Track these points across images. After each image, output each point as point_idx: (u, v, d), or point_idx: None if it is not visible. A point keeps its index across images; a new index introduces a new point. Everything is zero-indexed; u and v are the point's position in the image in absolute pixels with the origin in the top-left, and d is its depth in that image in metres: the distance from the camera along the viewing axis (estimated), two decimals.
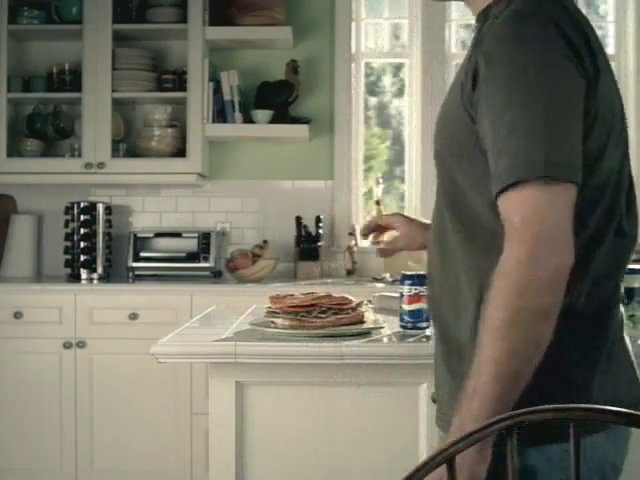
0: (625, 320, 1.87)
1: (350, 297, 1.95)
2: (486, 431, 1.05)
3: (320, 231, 4.06)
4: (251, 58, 4.21)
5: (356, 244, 4.13)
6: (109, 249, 4.03)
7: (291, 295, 1.93)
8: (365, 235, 2.01)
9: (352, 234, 4.12)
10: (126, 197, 4.23)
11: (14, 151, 4.00)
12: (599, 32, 4.43)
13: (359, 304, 1.95)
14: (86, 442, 3.60)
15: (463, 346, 1.30)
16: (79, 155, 3.97)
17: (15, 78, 3.99)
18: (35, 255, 4.11)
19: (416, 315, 1.94)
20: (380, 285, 3.69)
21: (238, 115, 3.99)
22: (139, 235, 4.02)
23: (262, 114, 4.00)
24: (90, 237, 3.95)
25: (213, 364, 1.85)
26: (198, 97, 3.91)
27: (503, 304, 1.14)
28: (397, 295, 2.03)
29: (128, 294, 3.65)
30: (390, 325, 2.02)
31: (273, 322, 1.91)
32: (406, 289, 1.94)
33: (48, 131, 4.08)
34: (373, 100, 4.50)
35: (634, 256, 4.45)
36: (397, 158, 4.45)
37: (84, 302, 3.61)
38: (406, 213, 4.33)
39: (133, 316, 3.60)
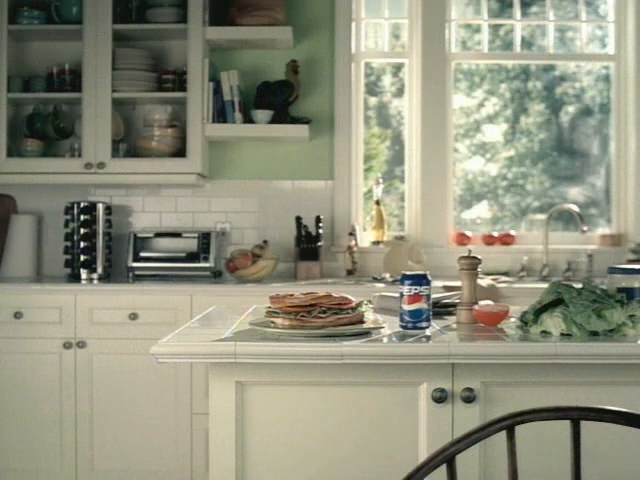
0: (625, 320, 1.88)
1: (350, 297, 1.95)
2: (486, 431, 1.05)
3: (320, 231, 4.06)
4: (251, 58, 4.21)
5: (356, 244, 4.13)
6: (109, 249, 4.04)
7: (291, 295, 1.93)
8: None
9: (352, 234, 4.12)
10: (126, 197, 4.24)
11: (14, 151, 4.00)
12: (599, 32, 4.45)
13: (359, 304, 1.95)
14: (86, 442, 3.60)
15: None
16: (79, 155, 3.97)
17: (15, 78, 3.99)
18: (35, 255, 4.11)
19: (416, 315, 1.94)
20: (380, 285, 3.69)
21: (238, 115, 4.00)
22: (139, 235, 4.02)
23: (262, 114, 4.00)
24: (90, 237, 3.95)
25: (213, 364, 1.85)
26: (198, 97, 3.92)
27: None
28: (397, 295, 2.03)
29: (128, 294, 3.65)
30: (390, 325, 2.02)
31: (273, 322, 1.91)
32: (406, 289, 1.94)
33: (48, 131, 4.08)
34: (373, 100, 4.50)
35: (634, 256, 4.43)
36: (397, 158, 4.45)
37: (84, 302, 3.61)
38: (406, 213, 4.34)
39: (133, 316, 3.60)
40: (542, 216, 4.38)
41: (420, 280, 1.94)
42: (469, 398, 1.84)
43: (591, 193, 4.50)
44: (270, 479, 1.89)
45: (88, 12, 3.90)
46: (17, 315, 3.60)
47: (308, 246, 4.03)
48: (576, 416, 1.04)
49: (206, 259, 3.95)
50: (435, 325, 2.06)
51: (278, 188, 4.24)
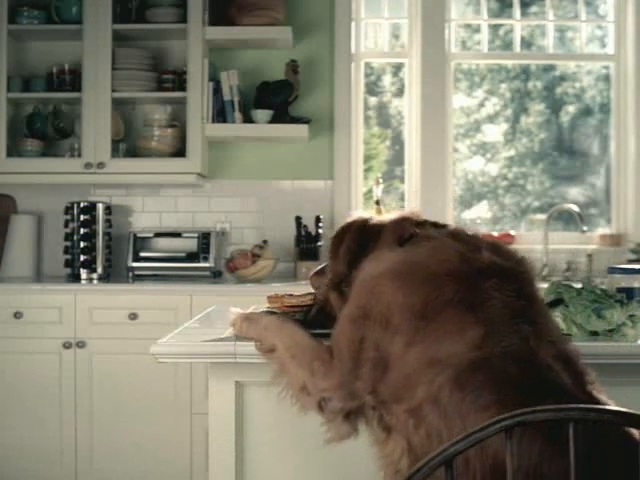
0: (625, 320, 1.87)
1: None
2: (486, 431, 1.04)
3: (320, 231, 4.05)
4: (251, 58, 4.21)
5: None
6: (109, 249, 4.03)
7: (290, 295, 1.93)
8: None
9: None
10: (126, 197, 4.24)
11: (14, 151, 4.00)
12: (599, 32, 4.46)
13: None
14: (86, 442, 3.60)
15: None
16: (79, 155, 3.97)
17: (15, 78, 3.99)
18: (35, 255, 4.11)
19: None
20: None
21: (238, 115, 3.99)
22: (139, 235, 4.02)
23: (262, 114, 4.00)
24: (90, 237, 3.95)
25: (213, 364, 1.85)
26: (198, 97, 3.91)
27: None
28: None
29: (128, 294, 3.65)
30: None
31: None
32: None
33: (48, 131, 4.08)
34: (373, 100, 4.50)
35: (634, 256, 4.41)
36: (397, 158, 4.45)
37: (84, 302, 3.61)
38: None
39: (133, 316, 3.60)
40: (542, 216, 4.38)
41: None
42: None
43: (591, 193, 4.50)
44: (270, 479, 1.89)
45: (88, 12, 3.89)
46: (17, 315, 3.60)
47: (308, 246, 4.03)
48: (576, 416, 1.04)
49: (206, 259, 3.95)
50: None
51: (278, 188, 4.24)
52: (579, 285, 1.97)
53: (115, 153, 3.97)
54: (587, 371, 1.36)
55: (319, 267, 1.86)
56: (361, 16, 4.39)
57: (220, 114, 4.00)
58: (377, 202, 4.25)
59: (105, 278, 3.98)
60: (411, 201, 4.29)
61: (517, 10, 4.42)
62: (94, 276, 3.95)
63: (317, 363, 1.54)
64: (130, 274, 3.98)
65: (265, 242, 4.01)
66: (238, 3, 4.00)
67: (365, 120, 4.42)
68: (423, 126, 4.24)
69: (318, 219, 4.07)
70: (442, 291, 1.38)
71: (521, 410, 1.05)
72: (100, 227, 3.98)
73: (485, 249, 1.48)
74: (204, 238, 3.97)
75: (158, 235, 4.04)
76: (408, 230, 1.59)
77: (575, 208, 4.19)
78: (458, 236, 1.53)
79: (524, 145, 4.50)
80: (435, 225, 1.65)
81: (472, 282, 1.40)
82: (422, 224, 1.64)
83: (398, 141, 4.46)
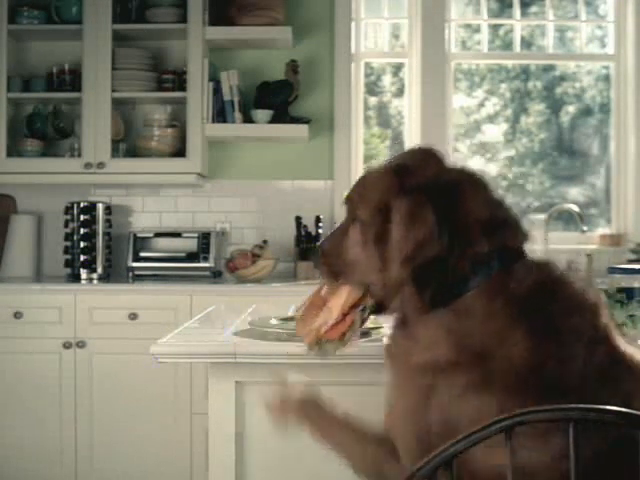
0: (625, 320, 1.87)
1: None
2: (486, 431, 1.04)
3: (320, 231, 4.06)
4: (251, 58, 4.21)
5: None
6: (109, 249, 4.03)
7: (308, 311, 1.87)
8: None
9: None
10: (126, 197, 4.24)
11: (14, 151, 4.00)
12: (599, 32, 4.45)
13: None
14: (86, 442, 3.60)
15: None
16: (79, 155, 3.97)
17: (15, 78, 3.99)
18: (35, 255, 4.11)
19: None
20: None
21: (238, 115, 3.99)
22: (139, 235, 4.02)
23: (262, 114, 4.00)
24: (90, 237, 3.95)
25: (213, 364, 1.85)
26: (198, 97, 3.91)
27: None
28: None
29: (128, 294, 3.65)
30: (390, 325, 2.02)
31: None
32: None
33: (48, 131, 4.08)
34: (373, 100, 4.50)
35: (634, 256, 4.40)
36: None
37: (84, 302, 3.61)
38: None
39: (133, 316, 3.60)
40: (542, 216, 4.37)
41: None
42: None
43: (591, 193, 4.50)
44: (270, 479, 1.89)
45: (88, 12, 3.89)
46: (17, 315, 3.60)
47: (308, 246, 4.03)
48: (576, 416, 1.04)
49: (206, 259, 3.95)
50: None
51: (278, 188, 4.24)
52: None
53: (115, 153, 3.97)
54: None
55: (324, 246, 1.56)
56: (361, 16, 4.39)
57: (220, 114, 4.00)
58: None
59: (105, 278, 3.98)
60: None
61: (517, 10, 4.42)
62: (94, 276, 3.95)
63: (387, 466, 1.40)
64: (130, 274, 3.98)
65: (265, 242, 4.01)
66: (238, 3, 4.00)
67: (365, 120, 4.42)
68: (423, 126, 4.24)
69: (318, 219, 4.07)
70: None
71: (520, 410, 1.06)
72: (100, 227, 3.98)
73: (579, 314, 1.30)
74: (204, 238, 3.97)
75: (158, 235, 4.04)
76: (483, 249, 1.34)
77: (575, 208, 4.19)
78: (553, 295, 1.34)
79: (524, 145, 4.50)
80: (521, 254, 1.40)
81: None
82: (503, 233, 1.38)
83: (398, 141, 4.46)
